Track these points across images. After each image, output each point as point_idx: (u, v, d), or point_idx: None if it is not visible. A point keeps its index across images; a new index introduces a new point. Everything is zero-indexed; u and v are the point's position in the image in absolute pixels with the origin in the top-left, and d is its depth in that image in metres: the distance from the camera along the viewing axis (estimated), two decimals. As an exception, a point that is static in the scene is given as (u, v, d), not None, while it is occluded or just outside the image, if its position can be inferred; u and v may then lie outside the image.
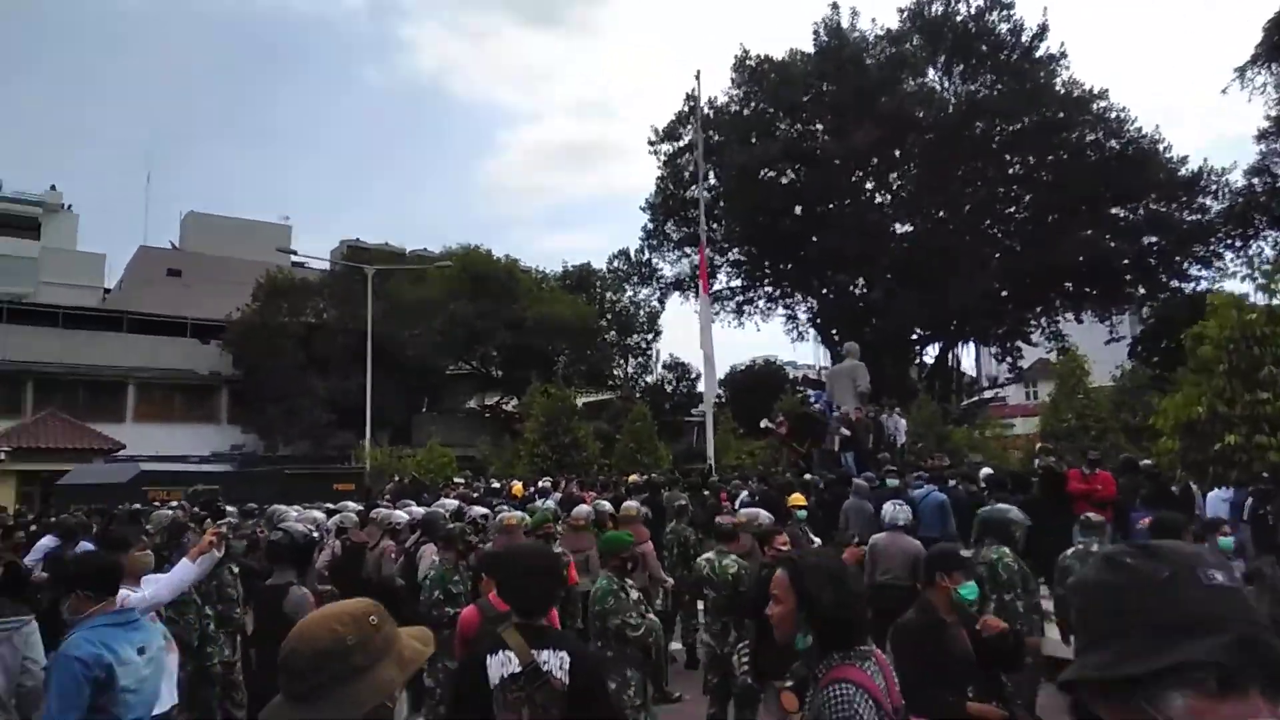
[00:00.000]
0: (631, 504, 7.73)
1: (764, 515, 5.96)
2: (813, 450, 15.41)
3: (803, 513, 8.16)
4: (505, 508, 9.02)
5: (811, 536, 8.06)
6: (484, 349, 36.40)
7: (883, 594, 6.69)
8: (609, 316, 40.35)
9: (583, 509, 7.76)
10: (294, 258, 35.66)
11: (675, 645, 7.88)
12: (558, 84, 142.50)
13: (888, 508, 6.82)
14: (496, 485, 17.30)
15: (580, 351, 36.93)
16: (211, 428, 35.64)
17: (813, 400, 15.40)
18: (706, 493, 11.21)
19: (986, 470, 10.40)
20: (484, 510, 8.73)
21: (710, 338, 17.24)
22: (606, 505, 8.50)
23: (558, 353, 35.63)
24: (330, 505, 10.12)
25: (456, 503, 9.54)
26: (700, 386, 41.81)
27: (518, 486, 15.39)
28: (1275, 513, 7.26)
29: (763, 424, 16.08)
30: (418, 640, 1.75)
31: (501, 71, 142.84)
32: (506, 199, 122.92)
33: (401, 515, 8.31)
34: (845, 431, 14.46)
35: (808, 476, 13.19)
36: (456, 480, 19.17)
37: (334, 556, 8.03)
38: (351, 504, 10.20)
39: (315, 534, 5.05)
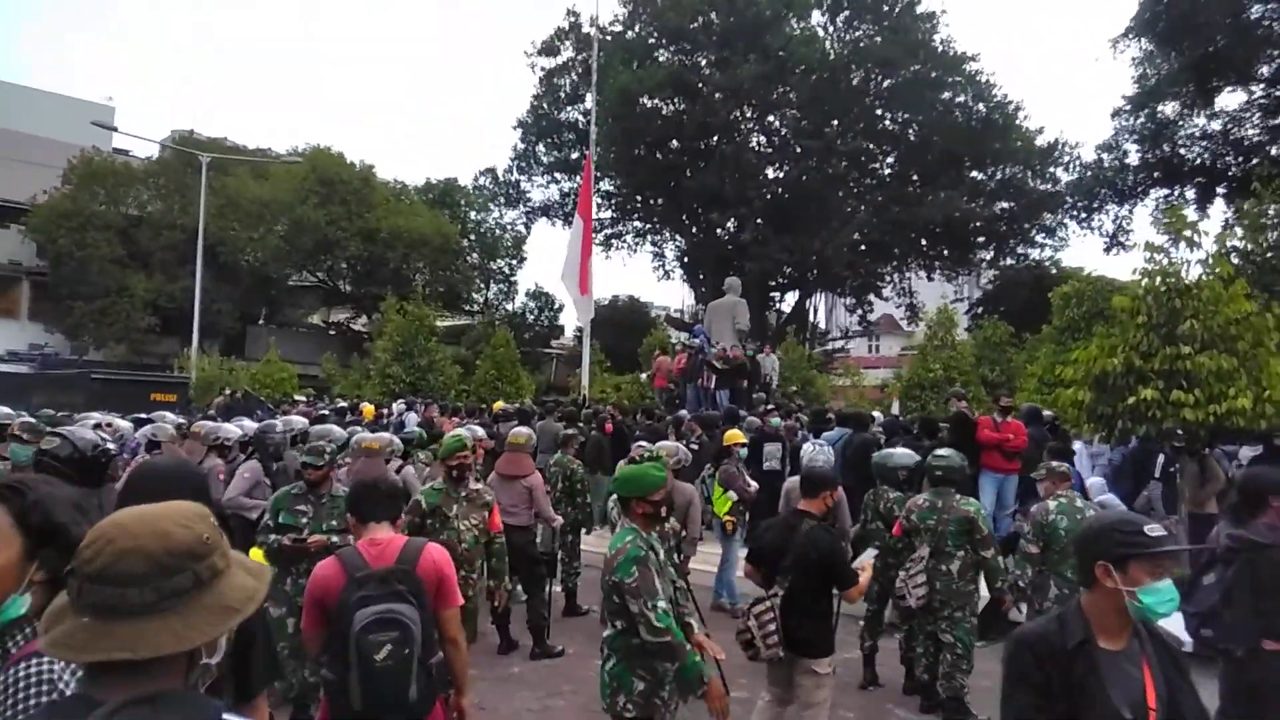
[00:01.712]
0: (523, 430, 6.79)
1: (682, 450, 5.20)
2: (686, 386, 14.94)
3: (744, 450, 7.55)
4: (361, 430, 7.86)
5: (748, 478, 7.47)
6: (332, 260, 33.76)
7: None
8: (472, 237, 38.41)
9: (523, 429, 6.84)
10: (116, 144, 31.55)
11: (555, 588, 7.10)
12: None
13: (807, 449, 6.21)
14: (344, 405, 15.85)
15: (439, 271, 34.96)
16: (10, 324, 31.45)
17: (694, 335, 14.83)
18: (587, 424, 10.38)
19: (878, 414, 10.15)
20: (340, 432, 7.55)
21: (587, 267, 16.15)
22: (480, 431, 7.54)
23: (414, 270, 33.53)
24: (143, 415, 8.57)
25: (303, 420, 8.29)
26: (563, 318, 41.06)
27: (369, 409, 14.07)
28: (1181, 471, 7.32)
29: (644, 377, 15.32)
30: (251, 574, 1.39)
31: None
32: (366, 106, 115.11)
33: (232, 429, 7.01)
34: (722, 366, 14.02)
35: (683, 412, 12.67)
36: (297, 398, 17.49)
37: (143, 477, 6.69)
38: (171, 415, 8.69)
39: (111, 447, 3.78)
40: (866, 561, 4.76)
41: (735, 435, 7.55)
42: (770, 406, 11.09)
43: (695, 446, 8.57)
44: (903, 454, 6.36)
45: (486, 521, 5.27)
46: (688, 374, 14.75)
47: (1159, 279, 8.04)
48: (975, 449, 7.44)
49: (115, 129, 29.44)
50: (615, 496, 4.39)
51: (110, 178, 31.61)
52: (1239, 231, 8.44)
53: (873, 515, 6.19)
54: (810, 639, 4.13)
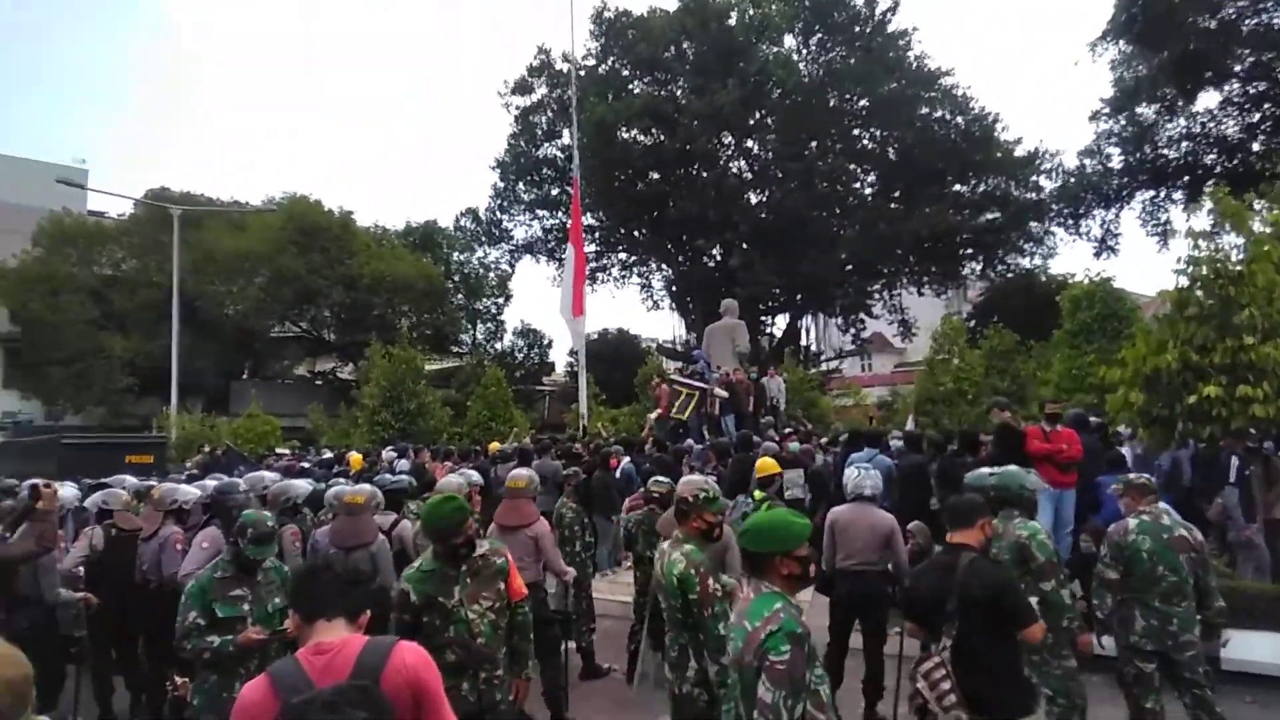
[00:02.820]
0: (522, 472, 6.06)
1: (711, 483, 4.52)
2: (691, 414, 14.27)
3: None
4: (344, 483, 7.12)
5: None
6: (315, 309, 33.08)
7: (848, 581, 5.46)
8: (456, 278, 37.84)
9: (452, 479, 6.02)
10: (91, 206, 30.87)
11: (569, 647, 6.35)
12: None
13: (851, 473, 5.51)
14: (329, 455, 15.06)
15: (425, 314, 34.30)
16: (-16, 393, 30.54)
17: (695, 360, 14.20)
18: (589, 460, 9.66)
19: (896, 431, 9.49)
20: (303, 486, 6.75)
21: (580, 290, 15.58)
22: (476, 475, 6.83)
23: (399, 314, 32.88)
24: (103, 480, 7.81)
25: (275, 475, 7.55)
26: (553, 354, 40.42)
27: (356, 457, 13.29)
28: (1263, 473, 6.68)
29: (652, 417, 14.64)
30: None
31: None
32: (341, 152, 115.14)
33: (190, 491, 6.25)
34: (723, 393, 13.39)
35: (689, 442, 12.00)
36: (280, 450, 16.68)
37: (92, 550, 5.92)
38: (131, 478, 7.92)
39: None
40: None
41: (769, 464, 6.83)
42: (788, 429, 10.43)
43: (712, 477, 7.88)
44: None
45: (504, 592, 3.90)
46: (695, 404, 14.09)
47: (1205, 266, 7.45)
48: (1024, 463, 6.78)
49: (82, 186, 28.82)
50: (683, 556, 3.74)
51: (82, 238, 30.95)
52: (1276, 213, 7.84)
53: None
54: (994, 695, 3.39)
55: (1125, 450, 8.54)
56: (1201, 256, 7.50)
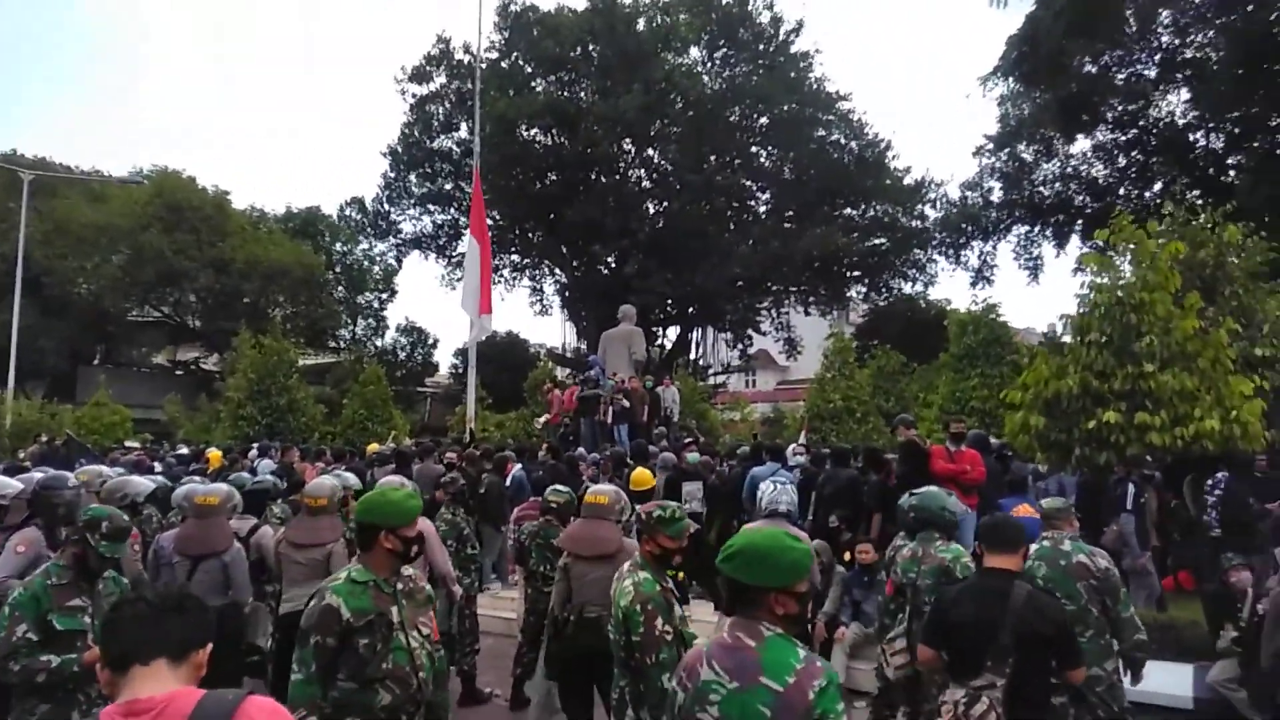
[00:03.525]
0: (394, 479, 5.39)
1: (624, 497, 4.07)
2: (580, 421, 13.86)
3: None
4: (198, 481, 6.30)
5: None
6: (179, 293, 30.84)
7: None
8: (337, 269, 36.09)
9: (325, 481, 5.30)
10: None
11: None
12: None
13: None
14: (185, 451, 13.79)
15: (301, 304, 32.49)
16: None
17: (590, 368, 13.76)
18: (481, 468, 9.01)
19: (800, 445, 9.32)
20: (144, 484, 5.87)
21: (489, 286, 14.87)
22: (352, 479, 6.15)
23: (273, 303, 30.99)
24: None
25: (116, 470, 6.62)
26: (437, 355, 39.07)
27: (215, 454, 12.17)
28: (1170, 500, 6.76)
29: (540, 422, 14.12)
30: None
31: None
32: (218, 129, 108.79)
33: (11, 484, 5.28)
34: (625, 402, 13.02)
35: (581, 450, 11.55)
36: (130, 444, 15.21)
37: None
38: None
39: None
40: None
41: (645, 477, 6.42)
42: (688, 440, 10.13)
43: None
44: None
45: (430, 626, 3.27)
46: (582, 409, 13.66)
47: (1107, 294, 7.59)
48: (929, 482, 6.67)
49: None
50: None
51: (-91, 199, 27.82)
52: (1181, 246, 8.09)
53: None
54: None
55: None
56: (1103, 284, 7.65)
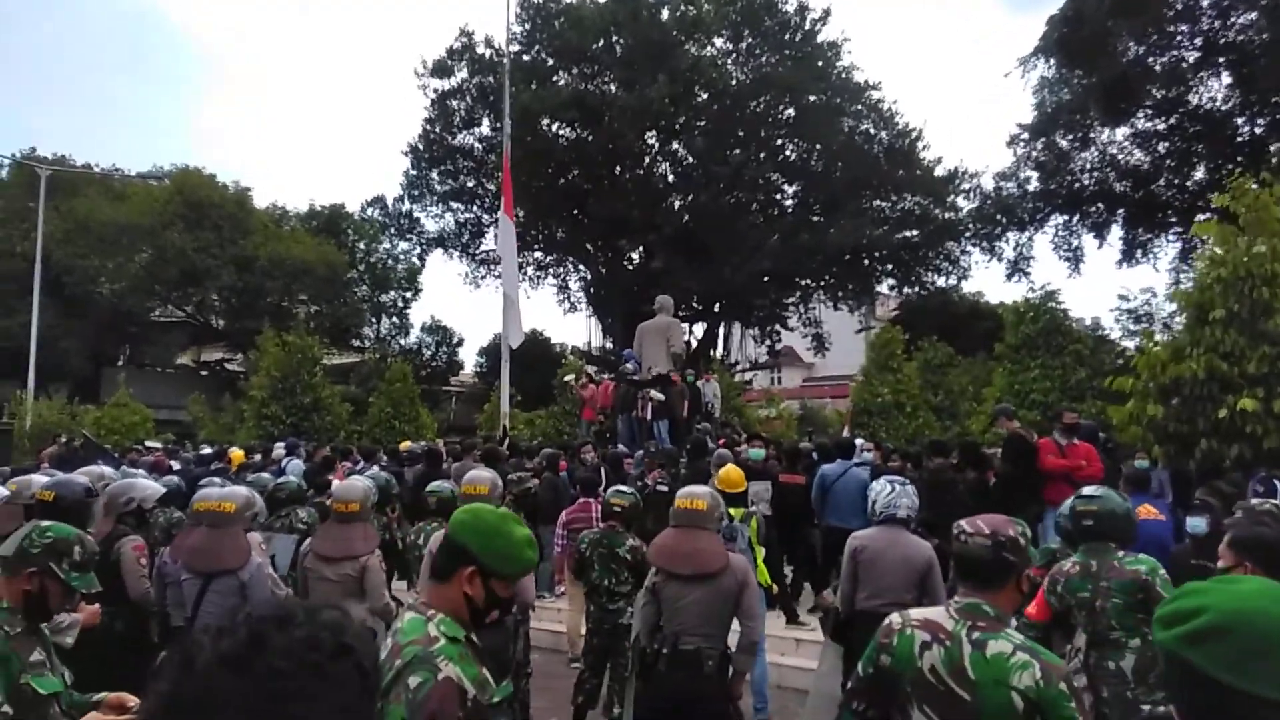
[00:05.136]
0: (484, 475, 4.75)
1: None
2: (617, 418, 13.20)
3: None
4: (217, 483, 5.67)
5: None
6: (202, 292, 30.46)
7: (872, 626, 4.40)
8: (361, 268, 35.67)
9: (357, 482, 4.68)
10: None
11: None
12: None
13: (881, 487, 4.36)
14: (208, 451, 13.28)
15: (325, 303, 32.09)
16: None
17: (625, 360, 13.09)
18: (521, 465, 8.40)
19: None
20: (151, 486, 5.21)
21: (515, 275, 14.29)
22: (387, 478, 5.52)
23: (297, 302, 30.61)
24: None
25: (114, 472, 6.02)
26: (462, 354, 38.59)
27: (238, 453, 11.64)
28: None
29: (569, 379, 13.47)
30: None
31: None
32: (240, 127, 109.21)
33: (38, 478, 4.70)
34: (659, 396, 12.32)
35: (620, 448, 10.91)
36: (151, 445, 14.72)
37: None
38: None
39: None
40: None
41: (736, 476, 5.64)
42: (738, 437, 9.45)
43: (664, 488, 6.78)
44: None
45: None
46: (619, 405, 12.99)
47: (1229, 267, 6.76)
48: (1037, 480, 5.93)
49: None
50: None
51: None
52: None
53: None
54: None
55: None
56: (1223, 255, 6.81)
